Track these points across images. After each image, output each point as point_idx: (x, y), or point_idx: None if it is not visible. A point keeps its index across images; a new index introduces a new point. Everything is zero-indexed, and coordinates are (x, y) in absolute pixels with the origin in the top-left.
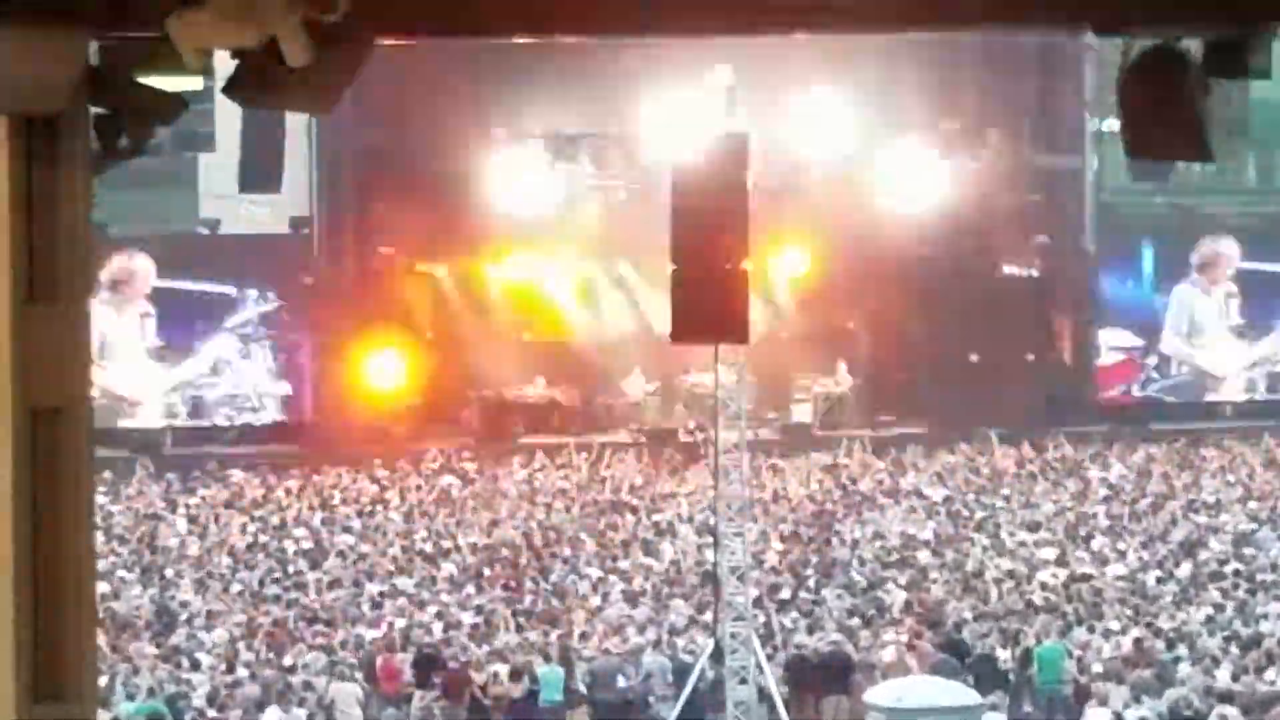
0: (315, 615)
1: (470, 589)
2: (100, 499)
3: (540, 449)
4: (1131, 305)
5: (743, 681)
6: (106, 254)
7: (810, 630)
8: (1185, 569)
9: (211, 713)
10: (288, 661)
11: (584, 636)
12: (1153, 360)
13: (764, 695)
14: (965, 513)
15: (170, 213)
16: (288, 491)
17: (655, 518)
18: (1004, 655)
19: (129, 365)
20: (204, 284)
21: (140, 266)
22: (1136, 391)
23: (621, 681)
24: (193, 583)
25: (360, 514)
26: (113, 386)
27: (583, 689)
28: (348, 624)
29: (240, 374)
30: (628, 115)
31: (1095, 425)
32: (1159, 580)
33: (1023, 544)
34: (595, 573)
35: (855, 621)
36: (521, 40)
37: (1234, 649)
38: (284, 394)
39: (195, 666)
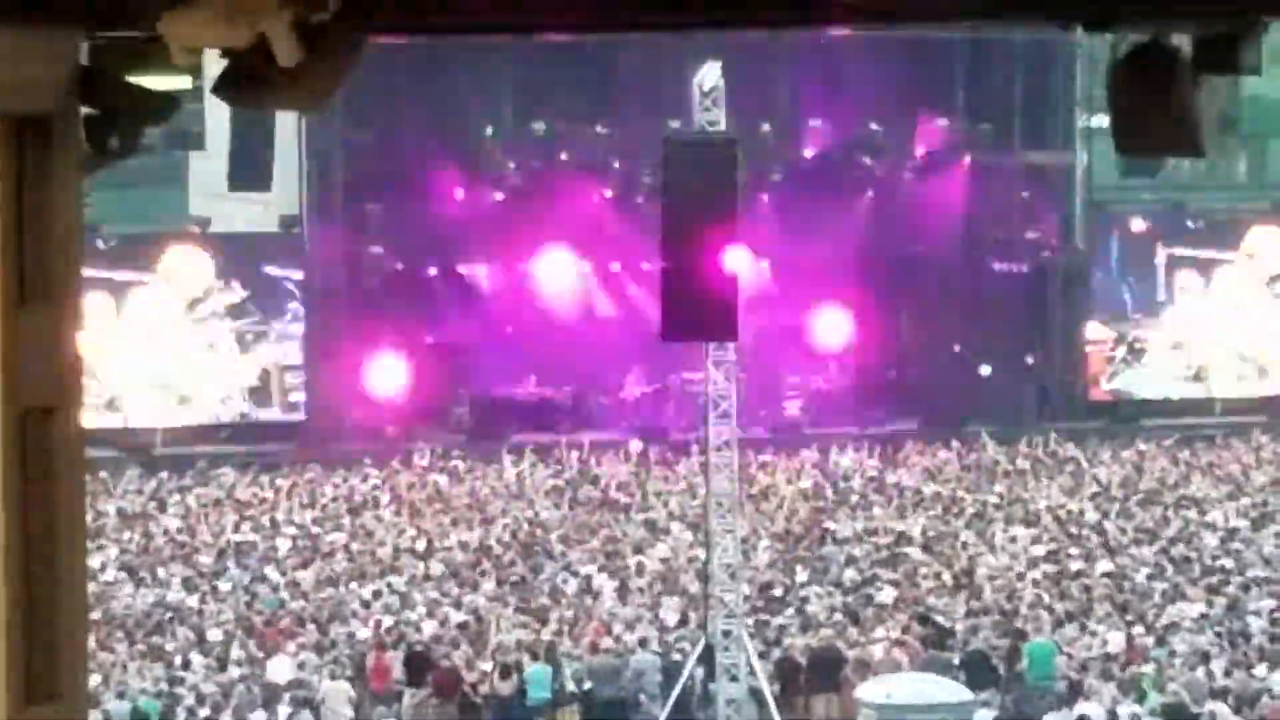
0: (306, 614)
1: (461, 587)
2: (91, 499)
3: (531, 447)
4: (1123, 301)
5: (733, 679)
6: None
7: (801, 628)
8: (1176, 565)
9: (203, 712)
10: (279, 660)
11: (574, 635)
12: (1145, 355)
13: (755, 693)
14: (956, 509)
15: (160, 211)
16: (278, 490)
17: (646, 516)
18: (995, 652)
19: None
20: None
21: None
22: (1124, 386)
23: (612, 680)
24: (183, 582)
25: (351, 512)
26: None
27: (572, 687)
28: (338, 622)
29: (232, 372)
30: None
31: (1086, 421)
32: (1150, 577)
33: (1013, 540)
34: (586, 571)
35: (846, 619)
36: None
37: (1225, 645)
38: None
39: (187, 666)
